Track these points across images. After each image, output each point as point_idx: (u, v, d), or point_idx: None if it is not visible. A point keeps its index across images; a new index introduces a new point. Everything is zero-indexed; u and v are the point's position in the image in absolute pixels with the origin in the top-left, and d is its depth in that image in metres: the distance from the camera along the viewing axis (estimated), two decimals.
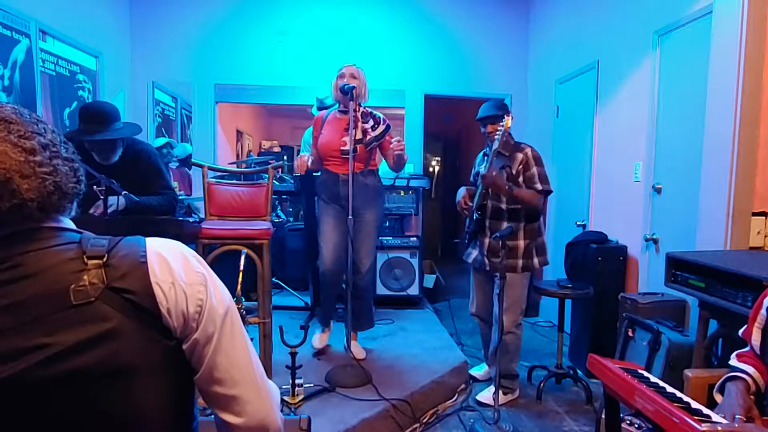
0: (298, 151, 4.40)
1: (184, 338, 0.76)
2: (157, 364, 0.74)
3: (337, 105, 2.84)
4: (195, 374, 0.79)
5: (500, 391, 2.64)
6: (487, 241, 2.73)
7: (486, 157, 2.74)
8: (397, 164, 2.78)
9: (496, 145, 2.49)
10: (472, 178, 2.97)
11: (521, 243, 2.67)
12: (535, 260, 2.70)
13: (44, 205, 0.72)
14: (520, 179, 2.61)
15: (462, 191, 2.88)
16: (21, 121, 0.73)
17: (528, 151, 2.65)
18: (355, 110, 2.64)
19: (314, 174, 3.02)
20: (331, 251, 2.80)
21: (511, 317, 2.66)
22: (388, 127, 2.79)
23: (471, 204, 2.76)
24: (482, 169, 2.60)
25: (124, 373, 0.70)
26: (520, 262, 2.66)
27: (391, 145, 2.69)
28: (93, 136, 2.26)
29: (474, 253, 2.81)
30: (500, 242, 2.47)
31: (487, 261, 2.73)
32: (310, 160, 2.82)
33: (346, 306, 2.67)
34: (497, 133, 2.48)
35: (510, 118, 2.45)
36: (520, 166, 2.62)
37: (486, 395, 2.77)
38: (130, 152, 2.42)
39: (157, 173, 2.51)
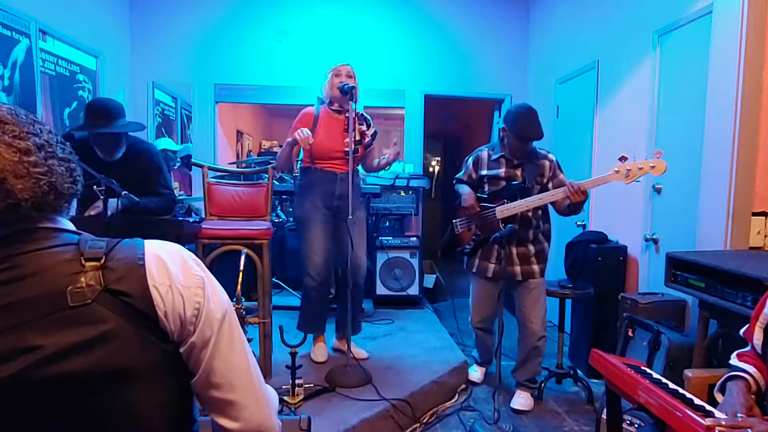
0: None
1: (182, 341, 0.76)
2: (155, 367, 0.73)
3: (326, 101, 2.84)
4: (192, 378, 0.78)
5: (528, 394, 2.74)
6: (515, 249, 2.65)
7: (504, 159, 2.68)
8: (376, 167, 2.81)
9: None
10: (466, 177, 2.79)
11: (546, 246, 2.75)
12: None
13: (40, 205, 0.72)
14: (550, 185, 2.66)
15: (469, 193, 2.70)
16: (16, 121, 0.73)
17: (551, 157, 2.72)
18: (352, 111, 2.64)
19: (295, 174, 2.96)
20: (322, 260, 2.73)
21: (544, 322, 2.70)
22: (376, 131, 2.87)
23: (479, 210, 2.67)
24: (520, 175, 2.64)
25: (121, 376, 0.70)
26: (545, 266, 2.73)
27: (388, 150, 2.70)
28: (98, 129, 2.30)
29: (492, 267, 2.70)
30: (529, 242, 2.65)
31: (518, 269, 2.65)
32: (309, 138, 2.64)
33: (345, 308, 2.67)
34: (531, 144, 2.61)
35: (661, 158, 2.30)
36: (550, 173, 2.68)
37: (521, 402, 2.71)
38: (132, 151, 2.45)
39: (158, 172, 2.52)
